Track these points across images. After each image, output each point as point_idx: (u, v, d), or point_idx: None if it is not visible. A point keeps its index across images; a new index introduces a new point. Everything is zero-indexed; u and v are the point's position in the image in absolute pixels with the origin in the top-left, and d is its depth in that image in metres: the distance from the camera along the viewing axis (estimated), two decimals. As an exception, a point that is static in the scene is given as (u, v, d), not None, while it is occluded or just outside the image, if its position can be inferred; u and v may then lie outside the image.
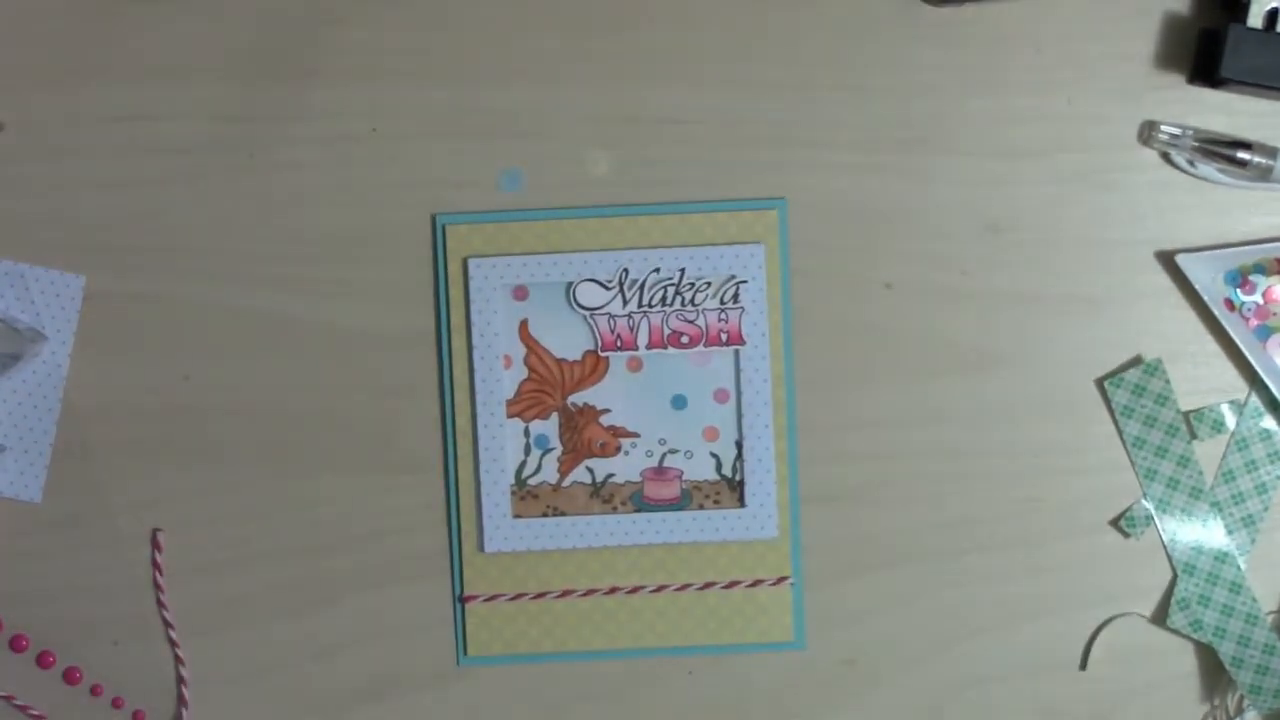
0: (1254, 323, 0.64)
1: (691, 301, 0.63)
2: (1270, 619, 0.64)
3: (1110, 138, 0.64)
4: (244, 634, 0.64)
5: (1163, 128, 0.63)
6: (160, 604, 0.64)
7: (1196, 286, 0.63)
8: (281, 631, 0.64)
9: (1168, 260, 0.64)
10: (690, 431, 0.64)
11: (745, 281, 0.63)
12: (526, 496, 0.64)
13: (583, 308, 0.63)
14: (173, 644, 0.64)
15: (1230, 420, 0.64)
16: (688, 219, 0.63)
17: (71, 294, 0.63)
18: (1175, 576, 0.64)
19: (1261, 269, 0.64)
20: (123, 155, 0.64)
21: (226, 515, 0.64)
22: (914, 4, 0.64)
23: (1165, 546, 0.64)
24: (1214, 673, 0.65)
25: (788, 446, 0.63)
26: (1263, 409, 0.64)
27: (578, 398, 0.64)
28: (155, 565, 0.64)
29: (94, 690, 0.64)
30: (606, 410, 0.64)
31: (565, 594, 0.64)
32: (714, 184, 0.64)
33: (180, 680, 0.64)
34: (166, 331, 0.64)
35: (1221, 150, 0.63)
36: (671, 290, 0.63)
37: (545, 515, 0.64)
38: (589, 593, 0.64)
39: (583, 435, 0.64)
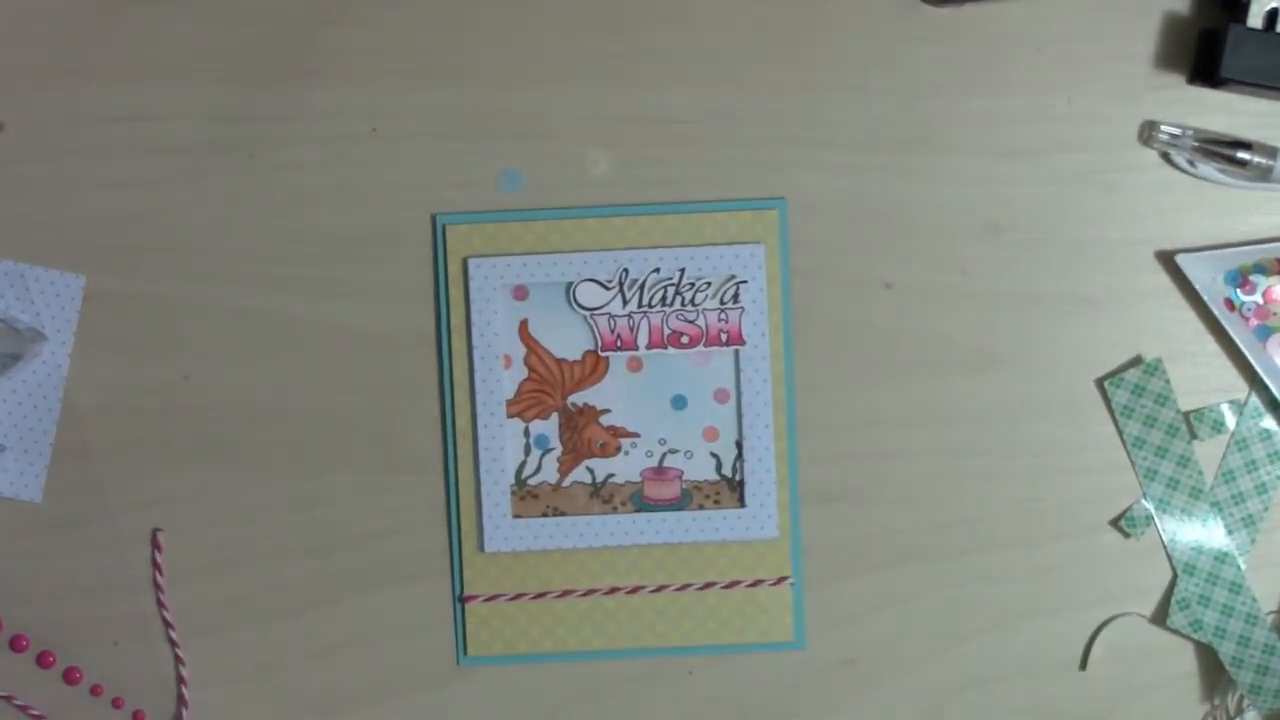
0: (1254, 323, 0.64)
1: (691, 301, 0.63)
2: (1270, 619, 0.64)
3: (1110, 138, 0.64)
4: (244, 634, 0.64)
5: (1163, 128, 0.63)
6: (160, 604, 0.64)
7: (1196, 286, 0.63)
8: (281, 631, 0.64)
9: (1168, 260, 0.64)
10: (690, 431, 0.64)
11: (745, 281, 0.63)
12: (526, 496, 0.64)
13: (583, 308, 0.63)
14: (173, 644, 0.64)
15: (1230, 420, 0.64)
16: (688, 219, 0.63)
17: (71, 294, 0.63)
18: (1175, 576, 0.64)
19: (1261, 269, 0.64)
20: (123, 155, 0.64)
21: (226, 515, 0.64)
22: (914, 4, 0.64)
23: (1165, 546, 0.64)
24: (1214, 673, 0.65)
25: (788, 447, 0.63)
26: (1263, 409, 0.64)
27: (578, 398, 0.64)
28: (155, 565, 0.64)
29: (94, 690, 0.64)
30: (606, 410, 0.64)
31: (565, 594, 0.64)
32: (714, 184, 0.64)
33: (180, 680, 0.64)
34: (166, 331, 0.64)
35: (1221, 150, 0.63)
36: (671, 290, 0.63)
37: (545, 515, 0.64)
38: (589, 593, 0.64)
39: (583, 435, 0.64)
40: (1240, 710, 0.64)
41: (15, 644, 0.64)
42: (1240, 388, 0.65)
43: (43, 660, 0.64)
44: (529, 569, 0.64)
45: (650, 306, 0.63)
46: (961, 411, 0.64)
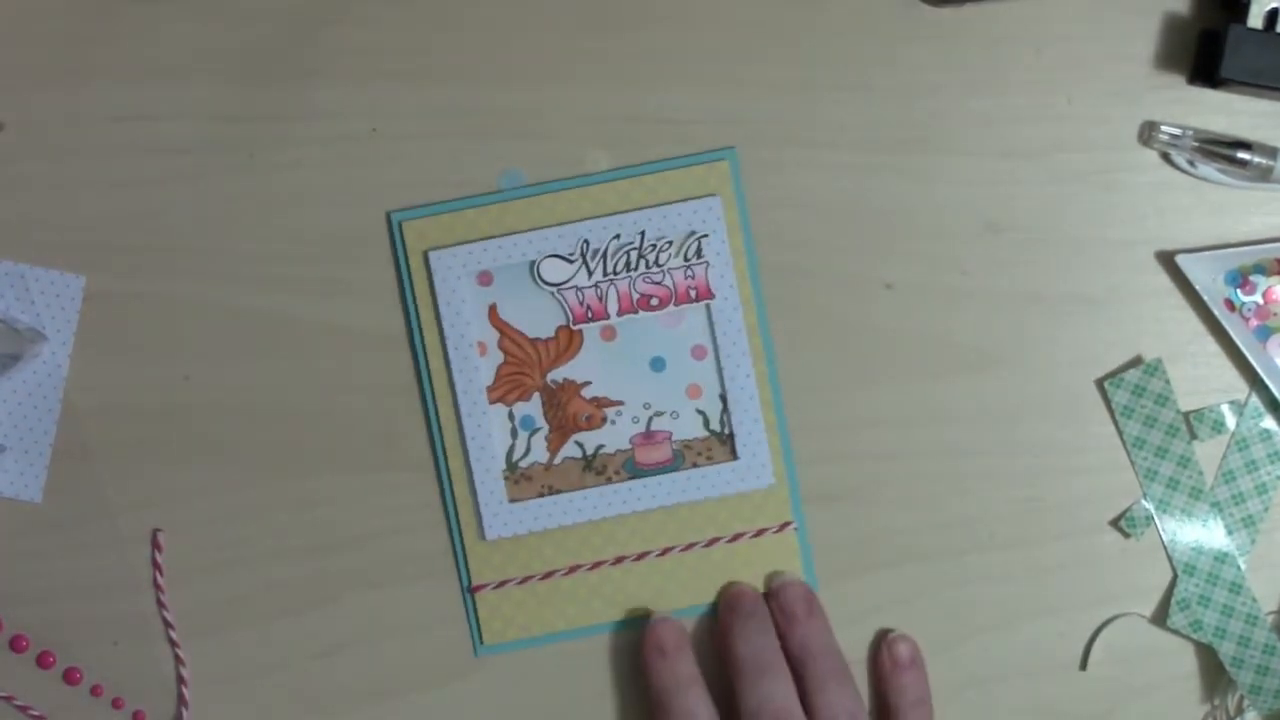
0: (1254, 323, 0.64)
1: (656, 263, 0.63)
2: (1270, 619, 0.64)
3: (1110, 138, 0.64)
4: (244, 634, 0.64)
5: (1163, 128, 0.63)
6: (160, 604, 0.64)
7: (1196, 287, 0.63)
8: (282, 631, 0.64)
9: (1168, 260, 0.64)
10: (673, 392, 0.64)
11: (706, 235, 0.63)
12: (520, 479, 0.64)
13: (549, 284, 0.63)
14: (173, 644, 0.64)
15: (1230, 420, 0.64)
16: (640, 181, 0.63)
17: (71, 294, 0.63)
18: (1175, 577, 0.64)
19: (1262, 269, 0.64)
20: (123, 155, 0.64)
21: (227, 515, 0.64)
22: (914, 4, 0.64)
23: (1165, 547, 0.64)
24: (1214, 673, 0.65)
25: (772, 393, 0.63)
26: (1263, 409, 0.64)
27: (556, 374, 0.64)
28: (155, 565, 0.64)
29: (94, 690, 0.64)
30: (587, 383, 0.64)
31: (572, 570, 0.64)
32: (714, 184, 0.64)
33: (180, 680, 0.64)
34: (167, 331, 0.64)
35: (1221, 150, 0.63)
36: (635, 254, 0.63)
37: (541, 495, 0.64)
38: (595, 566, 0.64)
39: (567, 411, 0.64)
40: (1240, 710, 0.64)
41: (15, 644, 0.64)
42: (1240, 388, 0.65)
43: (43, 660, 0.64)
44: (533, 551, 0.64)
45: (616, 274, 0.63)
46: (961, 411, 0.64)
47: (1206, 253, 0.63)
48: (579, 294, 0.63)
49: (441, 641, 0.64)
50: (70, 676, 0.64)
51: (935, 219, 0.64)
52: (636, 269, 0.63)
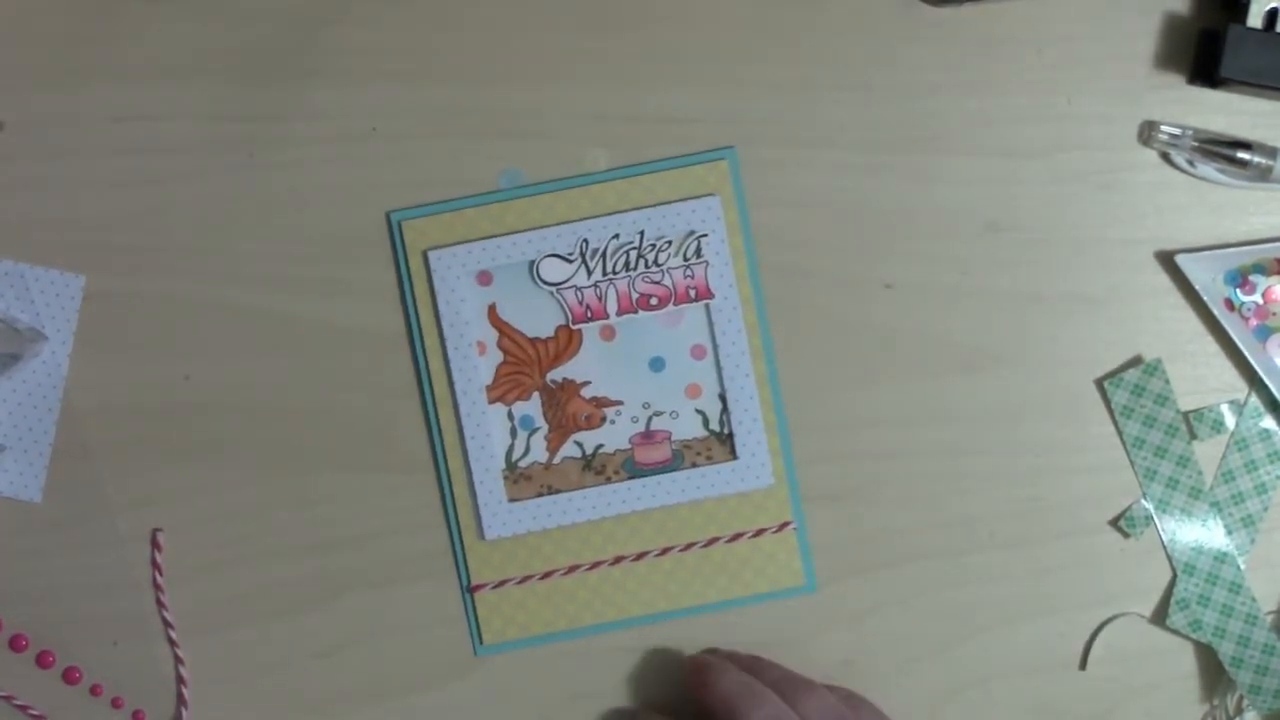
0: (1253, 323, 0.64)
1: (655, 262, 0.63)
2: (1270, 619, 0.64)
3: (1110, 138, 0.64)
4: (244, 634, 0.64)
5: (1163, 128, 0.63)
6: (160, 604, 0.64)
7: (1196, 286, 0.63)
8: (282, 631, 0.64)
9: (1167, 260, 0.64)
10: (672, 392, 0.64)
11: (705, 235, 0.63)
12: (519, 479, 0.64)
13: (548, 284, 0.63)
14: (172, 644, 0.64)
15: (1230, 420, 0.64)
16: (639, 181, 0.63)
17: (71, 294, 0.63)
18: (1175, 576, 0.64)
19: (1261, 269, 0.64)
20: (123, 155, 0.64)
21: (227, 515, 0.64)
22: (914, 4, 0.64)
23: (1165, 546, 0.64)
24: (1213, 673, 0.65)
25: (772, 393, 0.63)
26: (1262, 409, 0.64)
27: (556, 374, 0.64)
28: (155, 565, 0.64)
29: (94, 690, 0.64)
30: (587, 382, 0.64)
31: (571, 570, 0.64)
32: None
33: (180, 680, 0.64)
34: (167, 331, 0.64)
35: (1221, 150, 0.63)
36: (634, 254, 0.63)
37: (540, 495, 0.64)
38: (595, 565, 0.64)
39: (566, 410, 0.64)
40: (1240, 710, 0.64)
41: (15, 644, 0.64)
42: (1240, 388, 0.65)
43: (42, 660, 0.64)
44: (532, 550, 0.64)
45: (615, 273, 0.63)
46: (961, 411, 0.64)
47: (1206, 252, 0.64)
48: (578, 293, 0.63)
49: (441, 641, 0.64)
50: (70, 676, 0.64)
51: (935, 219, 0.64)
52: (636, 269, 0.63)
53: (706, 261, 0.63)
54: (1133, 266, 0.64)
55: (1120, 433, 0.64)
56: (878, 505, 0.64)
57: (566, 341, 0.64)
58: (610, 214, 0.63)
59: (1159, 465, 0.64)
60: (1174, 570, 0.64)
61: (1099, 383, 0.64)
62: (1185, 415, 0.64)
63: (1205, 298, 0.63)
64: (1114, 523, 0.64)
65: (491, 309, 0.64)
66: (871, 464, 0.64)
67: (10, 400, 0.63)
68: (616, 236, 0.63)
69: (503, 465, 0.64)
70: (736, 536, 0.64)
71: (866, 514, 0.64)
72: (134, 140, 0.64)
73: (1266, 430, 0.64)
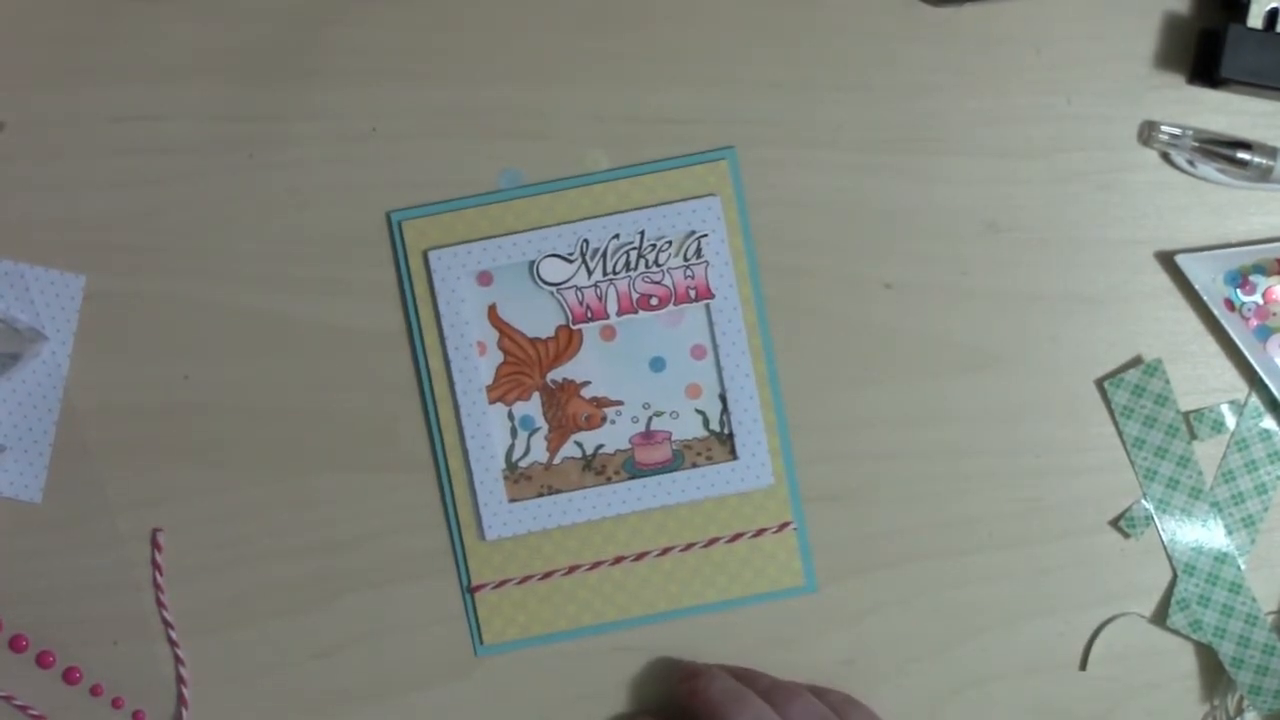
0: (1254, 323, 0.64)
1: (655, 262, 0.63)
2: (1270, 619, 0.64)
3: (1110, 138, 0.64)
4: (244, 634, 0.64)
5: (1163, 128, 0.63)
6: (160, 604, 0.64)
7: (1196, 287, 0.63)
8: (282, 631, 0.64)
9: (1167, 260, 0.64)
10: (673, 392, 0.64)
11: (706, 235, 0.63)
12: (519, 479, 0.64)
13: (548, 284, 0.63)
14: (173, 644, 0.64)
15: (1230, 420, 0.64)
16: (640, 181, 0.63)
17: (71, 294, 0.63)
18: (1175, 577, 0.64)
19: (1261, 269, 0.64)
20: (123, 155, 0.64)
21: (227, 515, 0.64)
22: (914, 4, 0.64)
23: (1165, 547, 0.64)
24: (1214, 673, 0.65)
25: (772, 393, 0.63)
26: (1262, 409, 0.64)
27: (556, 374, 0.64)
28: (155, 565, 0.64)
29: (94, 690, 0.64)
30: (587, 382, 0.64)
31: (571, 570, 0.64)
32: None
33: (180, 680, 0.64)
34: (166, 331, 0.64)
35: (1221, 150, 0.63)
36: (634, 254, 0.63)
37: (540, 495, 0.64)
38: (595, 565, 0.64)
39: (566, 411, 0.64)
40: (1240, 711, 0.64)
41: (15, 644, 0.64)
42: (1240, 388, 0.65)
43: (42, 660, 0.64)
44: (532, 550, 0.64)
45: (615, 273, 0.63)
46: (961, 411, 0.64)
47: (1206, 252, 0.64)
48: (579, 294, 0.63)
49: (441, 641, 0.64)
50: (70, 676, 0.64)
51: (935, 219, 0.64)
52: (636, 269, 0.63)
53: (707, 261, 0.63)
54: (1133, 267, 0.64)
55: (1120, 433, 0.64)
56: (878, 505, 0.64)
57: (567, 341, 0.64)
58: (610, 214, 0.63)
59: (1159, 465, 0.64)
60: (1174, 570, 0.64)
61: (1099, 383, 0.64)
62: (1185, 415, 0.64)
63: (1205, 298, 0.63)
64: (1114, 523, 0.64)
65: (492, 309, 0.64)
66: (871, 464, 0.64)
67: (10, 400, 0.63)
68: (617, 236, 0.63)
69: (503, 465, 0.64)
70: (736, 536, 0.64)
71: (866, 514, 0.64)
72: (134, 140, 0.64)
73: (1267, 430, 0.64)
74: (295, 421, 0.64)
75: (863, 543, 0.64)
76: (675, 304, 0.63)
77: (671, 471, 0.64)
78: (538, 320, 0.64)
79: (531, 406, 0.64)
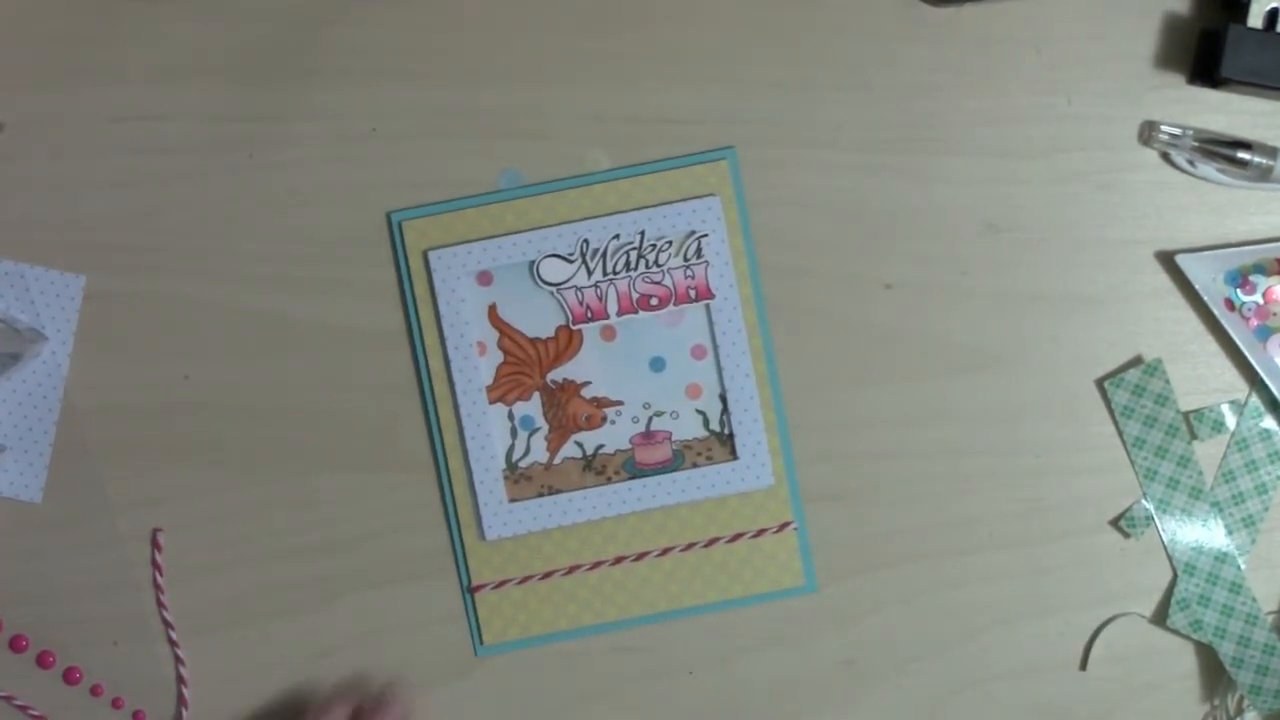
0: (1254, 323, 0.64)
1: (655, 262, 0.63)
2: (1270, 619, 0.64)
3: (1110, 138, 0.64)
4: (244, 634, 0.64)
5: (1163, 128, 0.63)
6: (160, 604, 0.64)
7: (1196, 286, 0.63)
8: (281, 631, 0.64)
9: (1168, 260, 0.64)
10: (673, 392, 0.64)
11: (706, 235, 0.63)
12: (520, 479, 0.64)
13: (549, 284, 0.63)
14: (173, 644, 0.64)
15: (1230, 420, 0.64)
16: (640, 181, 0.63)
17: (71, 294, 0.63)
18: (1175, 576, 0.64)
19: (1261, 269, 0.64)
20: (123, 155, 0.64)
21: (227, 515, 0.64)
22: (914, 4, 0.64)
23: (1165, 546, 0.64)
24: (1214, 673, 0.65)
25: (772, 394, 0.63)
26: (1263, 409, 0.64)
27: (557, 374, 0.64)
28: (155, 565, 0.64)
29: (94, 690, 0.64)
30: (587, 382, 0.64)
31: (572, 570, 0.64)
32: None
33: (180, 680, 0.64)
34: (166, 331, 0.64)
35: (1221, 150, 0.63)
36: (634, 254, 0.63)
37: (541, 495, 0.64)
38: (595, 565, 0.64)
39: (566, 411, 0.64)
40: (1240, 710, 0.64)
41: (15, 644, 0.64)
42: (1240, 388, 0.65)
43: (42, 660, 0.64)
44: (533, 550, 0.64)
45: (615, 273, 0.63)
46: (961, 411, 0.64)
47: (1206, 252, 0.63)
48: (579, 294, 0.63)
49: (441, 641, 0.64)
50: (70, 676, 0.64)
51: (935, 219, 0.64)
52: (636, 269, 0.63)
53: (707, 262, 0.63)
54: (1133, 266, 0.64)
55: (1121, 433, 0.64)
56: (878, 505, 0.64)
57: (567, 342, 0.64)
58: (611, 214, 0.63)
59: (1159, 465, 0.64)
60: (1174, 570, 0.64)
61: (1099, 383, 0.64)
62: (1186, 415, 0.64)
63: (1205, 298, 0.63)
64: (1114, 523, 0.64)
65: (492, 309, 0.64)
66: (871, 464, 0.64)
67: (10, 400, 0.63)
68: (617, 237, 0.63)
69: (503, 465, 0.64)
70: (737, 537, 0.64)
71: (866, 514, 0.64)
72: (134, 141, 0.64)
73: (1267, 430, 0.64)
74: (295, 421, 0.64)
75: (863, 543, 0.64)
76: (675, 304, 0.63)
77: (672, 471, 0.64)
78: (538, 320, 0.64)
79: (531, 406, 0.64)
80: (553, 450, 0.64)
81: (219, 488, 0.64)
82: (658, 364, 0.64)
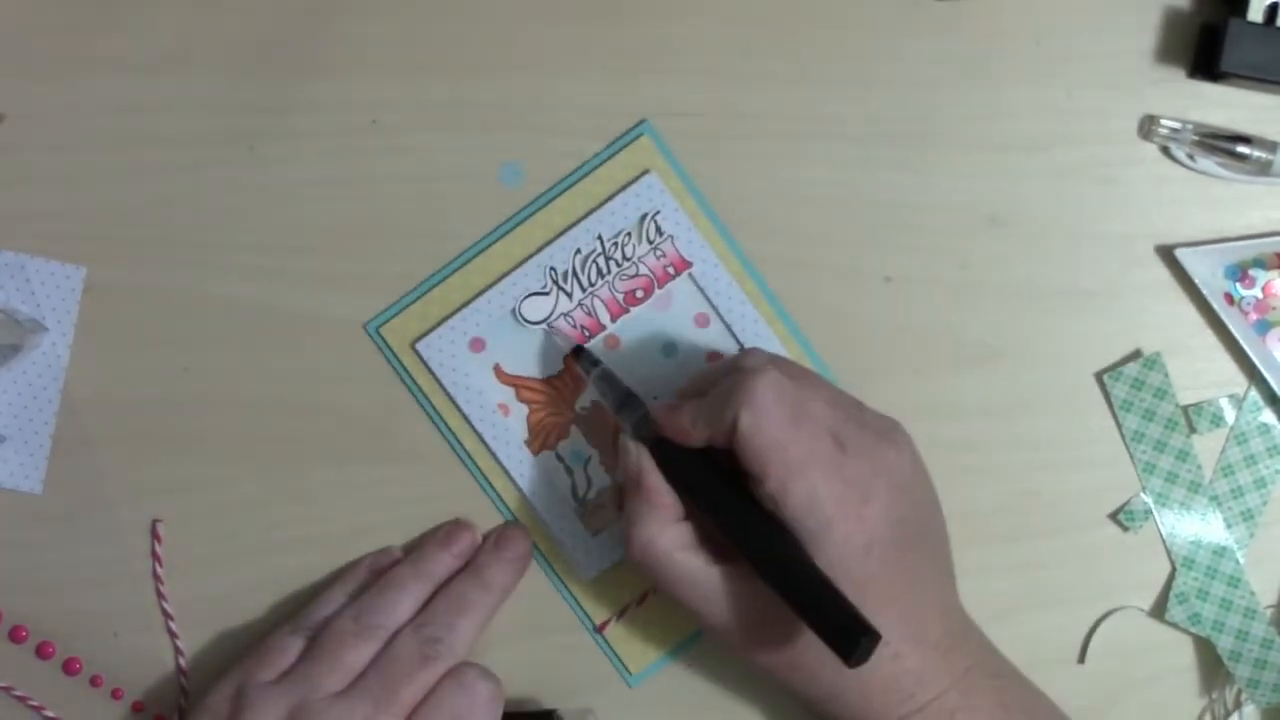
0: (1253, 317, 0.64)
1: (624, 257, 0.63)
2: (1268, 613, 0.64)
3: (1110, 132, 0.64)
4: (244, 625, 0.64)
5: (1163, 122, 0.63)
6: (160, 595, 0.64)
7: (1196, 280, 0.63)
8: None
9: (1167, 254, 0.64)
10: (695, 367, 0.63)
11: (658, 211, 0.63)
12: (593, 511, 0.64)
13: (535, 323, 0.63)
14: (172, 635, 0.64)
15: (1229, 414, 0.64)
16: (574, 191, 0.63)
17: (72, 285, 0.64)
18: (1174, 570, 0.64)
19: (1261, 263, 0.64)
20: (123, 147, 0.64)
21: (227, 506, 0.64)
22: (914, -3, 0.64)
23: (1164, 540, 0.64)
24: (1212, 666, 0.65)
25: (785, 327, 0.63)
26: (1262, 403, 0.64)
27: (583, 400, 0.64)
28: (155, 556, 0.64)
29: (94, 681, 0.64)
30: None
31: None
32: (716, 176, 0.64)
33: (180, 671, 0.64)
34: (167, 323, 0.64)
35: (1221, 144, 0.63)
36: (602, 260, 0.63)
37: (619, 516, 0.63)
38: None
39: (607, 430, 0.64)
40: (1238, 704, 0.64)
41: (14, 635, 0.64)
42: (1240, 382, 0.65)
43: (42, 651, 0.64)
44: (631, 569, 0.62)
45: (593, 284, 0.63)
46: (961, 405, 0.64)
47: (1206, 247, 0.64)
48: (568, 319, 0.63)
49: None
50: (70, 667, 0.64)
51: (935, 212, 0.64)
52: (609, 272, 0.63)
53: (670, 235, 0.63)
54: (1133, 260, 0.64)
55: (1120, 426, 0.64)
56: (877, 498, 0.64)
57: None
58: (563, 232, 0.63)
59: (1158, 459, 0.64)
60: (1173, 564, 0.64)
61: (1098, 376, 0.64)
62: (1185, 409, 0.64)
63: (1205, 292, 0.63)
64: (1113, 516, 0.64)
65: (497, 369, 0.63)
66: (870, 457, 0.64)
67: (10, 391, 0.63)
68: (579, 251, 0.63)
69: (574, 504, 0.64)
70: None
71: (865, 507, 0.64)
72: (135, 132, 0.64)
73: (1266, 424, 0.64)
74: (296, 414, 0.64)
75: (862, 536, 0.64)
76: (660, 287, 0.63)
77: None
78: (543, 360, 0.64)
79: (574, 440, 0.64)
80: (611, 470, 0.64)
81: (219, 479, 0.64)
82: (669, 349, 0.64)
